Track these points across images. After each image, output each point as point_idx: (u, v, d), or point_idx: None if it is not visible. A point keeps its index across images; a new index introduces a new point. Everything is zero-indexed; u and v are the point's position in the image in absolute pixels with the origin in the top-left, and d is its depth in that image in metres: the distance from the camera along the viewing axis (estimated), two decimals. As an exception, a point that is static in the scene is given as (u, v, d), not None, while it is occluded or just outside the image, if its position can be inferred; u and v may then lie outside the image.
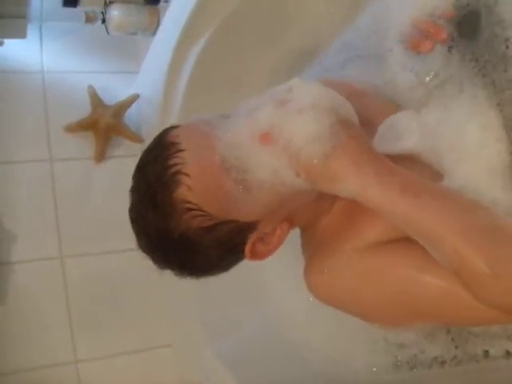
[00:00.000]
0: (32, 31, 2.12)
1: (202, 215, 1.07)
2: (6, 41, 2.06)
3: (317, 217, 1.19)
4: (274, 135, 1.04)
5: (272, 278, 1.82)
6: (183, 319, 1.92)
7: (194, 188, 1.05)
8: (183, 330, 1.94)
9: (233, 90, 1.85)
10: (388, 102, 1.32)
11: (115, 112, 2.08)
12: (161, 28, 1.99)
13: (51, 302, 1.94)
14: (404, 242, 1.08)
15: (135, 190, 1.12)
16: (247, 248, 1.13)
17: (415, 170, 1.10)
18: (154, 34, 2.09)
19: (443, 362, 1.29)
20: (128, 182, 2.04)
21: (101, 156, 2.08)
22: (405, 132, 1.17)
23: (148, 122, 2.10)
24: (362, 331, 1.42)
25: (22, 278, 1.92)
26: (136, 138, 2.10)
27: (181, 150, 1.06)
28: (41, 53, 2.17)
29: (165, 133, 1.12)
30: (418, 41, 1.28)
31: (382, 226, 1.12)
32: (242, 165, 1.06)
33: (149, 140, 2.01)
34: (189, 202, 1.06)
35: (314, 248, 1.22)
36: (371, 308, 1.17)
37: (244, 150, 1.05)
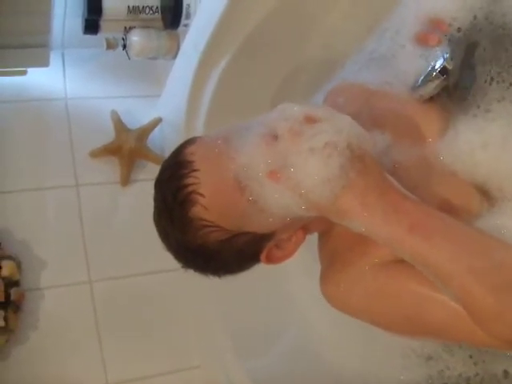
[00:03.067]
0: (54, 59, 2.16)
1: (218, 230, 1.08)
2: (29, 70, 2.09)
3: (332, 224, 1.19)
4: (283, 174, 1.03)
5: (303, 296, 1.82)
6: (212, 340, 1.92)
7: (209, 207, 1.07)
8: (212, 350, 1.94)
9: (254, 111, 1.85)
10: (406, 102, 1.31)
11: (139, 136, 2.10)
12: (181, 52, 2.01)
13: (81, 325, 1.95)
14: None
15: (155, 201, 1.15)
16: (263, 254, 1.14)
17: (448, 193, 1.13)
18: (174, 57, 2.11)
19: (468, 379, 1.28)
20: (153, 205, 2.06)
21: (126, 180, 2.10)
22: None
23: (171, 145, 2.08)
24: (394, 345, 1.41)
25: (52, 303, 1.94)
26: (160, 160, 2.11)
27: (195, 170, 1.07)
28: (64, 80, 2.20)
29: (182, 149, 1.13)
30: (425, 34, 1.30)
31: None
32: (255, 188, 1.06)
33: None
34: (204, 220, 1.07)
35: (330, 257, 1.23)
36: (383, 322, 1.18)
37: (256, 177, 1.06)
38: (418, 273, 1.05)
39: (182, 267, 1.18)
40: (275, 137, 1.05)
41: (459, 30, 1.29)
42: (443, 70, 1.23)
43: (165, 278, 1.98)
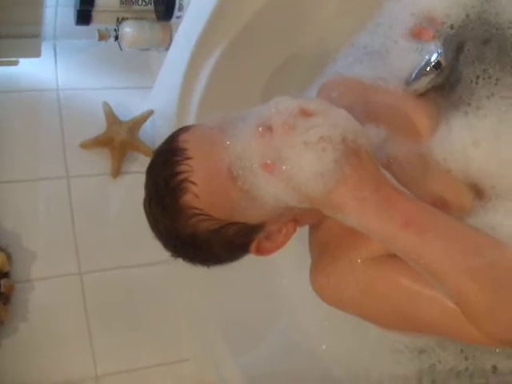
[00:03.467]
0: (46, 50, 2.15)
1: (208, 219, 1.08)
2: (21, 60, 2.09)
3: (323, 217, 1.18)
4: (277, 166, 1.03)
5: (294, 290, 1.82)
6: (203, 333, 1.92)
7: (201, 195, 1.07)
8: (203, 343, 1.94)
9: (247, 104, 1.85)
10: (400, 97, 1.31)
11: (130, 128, 2.10)
12: (173, 43, 2.00)
13: (71, 317, 1.95)
14: None
15: (146, 188, 1.15)
16: (253, 246, 1.15)
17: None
18: (166, 49, 2.11)
19: (458, 373, 1.28)
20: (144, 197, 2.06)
21: (117, 172, 2.10)
22: None
23: (163, 137, 2.08)
24: (385, 341, 1.41)
25: (42, 295, 1.93)
26: (151, 153, 2.11)
27: (189, 158, 1.07)
28: (55, 71, 2.19)
29: (175, 136, 1.13)
30: (419, 29, 1.31)
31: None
32: (248, 178, 1.06)
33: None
34: (195, 208, 1.07)
35: (320, 250, 1.23)
36: (373, 317, 1.19)
37: (249, 167, 1.06)
38: (410, 268, 1.05)
39: (171, 256, 1.18)
40: (270, 129, 1.05)
41: (452, 27, 1.30)
42: (437, 65, 1.23)
43: (155, 271, 1.98)
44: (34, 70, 2.15)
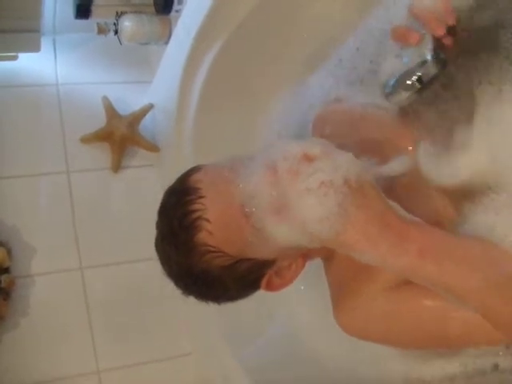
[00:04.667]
0: (45, 44, 2.14)
1: (221, 256, 1.10)
2: (20, 55, 2.08)
3: (333, 251, 1.20)
4: (285, 210, 1.05)
5: (290, 287, 1.82)
6: (204, 327, 1.92)
7: (214, 232, 1.08)
8: (204, 337, 1.94)
9: (246, 97, 1.85)
10: (383, 120, 1.31)
11: (130, 122, 2.10)
12: (173, 37, 1.99)
13: (72, 312, 1.95)
14: None
15: (158, 227, 1.17)
16: (263, 282, 1.16)
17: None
18: (166, 43, 2.10)
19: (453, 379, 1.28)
20: (144, 191, 2.06)
21: (117, 166, 2.09)
22: None
23: (163, 131, 2.10)
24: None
25: (42, 290, 1.93)
26: (151, 147, 2.11)
27: (202, 197, 1.09)
28: (55, 65, 2.19)
29: (187, 176, 1.15)
30: (404, 30, 1.14)
31: None
32: (260, 217, 1.08)
33: (164, 149, 2.04)
34: (209, 245, 1.09)
35: (338, 285, 1.25)
36: (404, 342, 1.21)
37: (261, 207, 1.08)
38: (426, 291, 1.07)
39: (182, 293, 1.19)
40: (276, 172, 1.07)
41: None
42: (419, 79, 1.13)
43: (156, 265, 1.97)
44: (34, 65, 2.14)
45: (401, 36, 1.14)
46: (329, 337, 1.68)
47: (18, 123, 2.06)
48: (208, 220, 1.08)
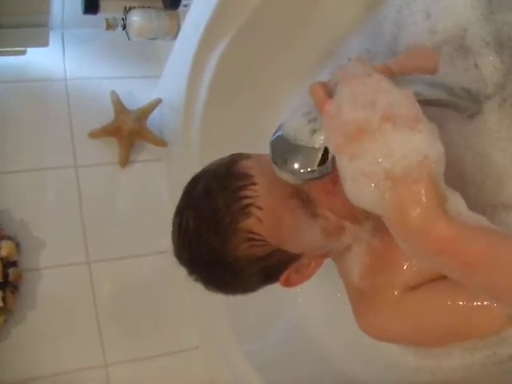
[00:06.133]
0: (54, 39, 2.14)
1: (261, 245, 1.11)
2: (29, 50, 2.09)
3: (347, 251, 1.22)
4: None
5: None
6: (211, 321, 1.92)
7: (264, 220, 1.09)
8: (211, 332, 1.94)
9: (255, 93, 1.85)
10: None
11: (138, 117, 2.10)
12: (181, 32, 1.99)
13: (80, 306, 1.95)
14: (441, 280, 1.11)
15: (196, 210, 1.14)
16: (283, 276, 1.17)
17: None
18: (174, 38, 2.10)
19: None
20: (152, 186, 2.06)
21: (125, 161, 2.10)
22: None
23: (171, 126, 2.11)
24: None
25: (50, 284, 1.94)
26: (159, 142, 2.12)
27: (254, 183, 1.10)
28: (63, 60, 2.19)
29: (235, 161, 1.15)
30: (322, 98, 1.00)
31: (414, 269, 1.15)
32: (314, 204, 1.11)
33: (172, 144, 2.04)
34: (253, 233, 1.09)
35: (357, 291, 1.24)
36: (425, 342, 1.22)
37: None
38: (451, 288, 1.08)
39: (195, 280, 1.18)
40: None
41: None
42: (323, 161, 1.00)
43: (163, 260, 1.98)
44: (42, 60, 2.15)
45: (318, 103, 1.00)
46: (338, 333, 1.68)
47: (27, 118, 2.07)
48: (260, 207, 1.08)
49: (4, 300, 1.79)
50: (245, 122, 1.86)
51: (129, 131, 2.08)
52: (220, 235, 1.10)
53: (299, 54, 1.81)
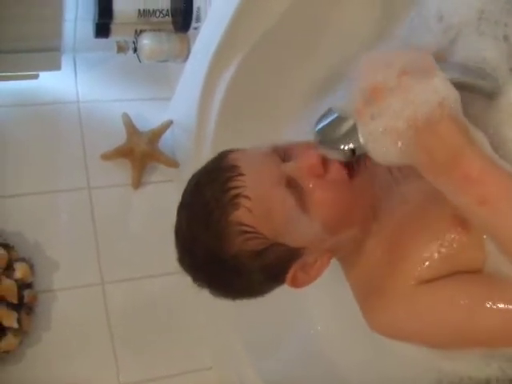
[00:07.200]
0: (66, 63, 2.17)
1: (255, 238, 1.08)
2: (41, 73, 2.11)
3: (359, 247, 1.19)
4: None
5: (311, 299, 1.81)
6: (225, 342, 1.93)
7: (254, 210, 1.07)
8: (225, 352, 1.95)
9: (266, 113, 1.86)
10: None
11: (150, 139, 2.11)
12: (192, 55, 2.01)
13: (94, 327, 1.96)
14: (455, 276, 1.10)
15: (187, 209, 1.15)
16: (289, 275, 1.14)
17: None
18: (185, 60, 2.12)
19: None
20: (165, 207, 2.07)
21: (138, 182, 2.11)
22: None
23: (182, 147, 2.12)
24: (400, 354, 1.40)
25: (64, 305, 1.95)
26: (171, 163, 2.13)
27: (241, 174, 1.08)
28: (75, 83, 2.21)
29: (223, 156, 1.14)
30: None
31: (425, 264, 1.12)
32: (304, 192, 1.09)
33: (184, 165, 2.05)
34: (244, 225, 1.07)
35: (364, 288, 1.22)
36: (434, 341, 1.18)
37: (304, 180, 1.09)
38: (463, 286, 1.07)
39: (197, 286, 1.18)
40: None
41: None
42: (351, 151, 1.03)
43: (177, 280, 1.97)
44: (55, 83, 2.17)
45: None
46: (351, 349, 1.68)
47: (40, 141, 2.09)
48: (248, 197, 1.06)
49: (19, 322, 1.80)
50: (256, 142, 1.87)
51: (141, 153, 2.09)
52: (212, 230, 1.08)
53: (309, 75, 1.82)
